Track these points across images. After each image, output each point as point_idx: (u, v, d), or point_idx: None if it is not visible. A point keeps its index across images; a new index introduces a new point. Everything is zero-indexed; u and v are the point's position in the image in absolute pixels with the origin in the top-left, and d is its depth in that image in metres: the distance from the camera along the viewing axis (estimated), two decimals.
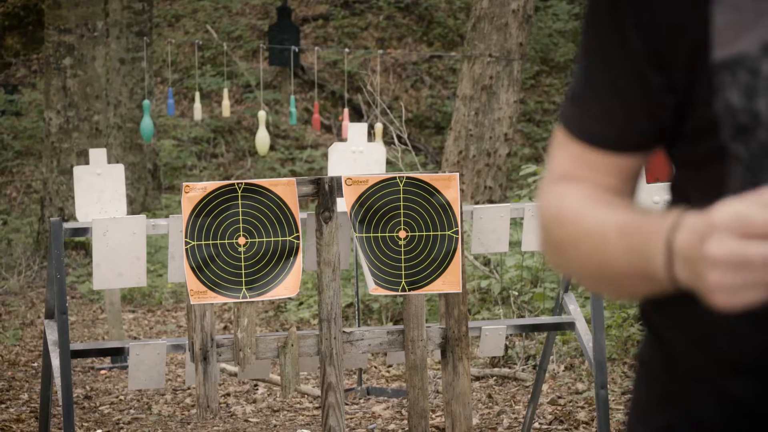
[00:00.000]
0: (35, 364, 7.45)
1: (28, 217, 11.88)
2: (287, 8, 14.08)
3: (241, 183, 4.47)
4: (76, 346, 4.78)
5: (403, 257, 4.54)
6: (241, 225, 4.46)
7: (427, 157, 13.55)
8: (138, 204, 11.15)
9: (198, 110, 9.70)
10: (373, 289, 4.53)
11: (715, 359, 1.48)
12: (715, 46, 1.40)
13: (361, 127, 6.02)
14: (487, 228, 4.82)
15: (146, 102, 9.51)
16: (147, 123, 9.25)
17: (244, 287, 4.46)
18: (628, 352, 6.75)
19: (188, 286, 4.40)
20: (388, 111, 10.25)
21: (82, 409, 6.45)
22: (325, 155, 10.12)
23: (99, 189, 5.42)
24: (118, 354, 5.90)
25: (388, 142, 10.64)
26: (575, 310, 5.00)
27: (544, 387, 6.27)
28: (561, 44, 15.11)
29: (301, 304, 8.44)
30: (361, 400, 6.47)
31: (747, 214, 1.23)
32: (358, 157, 5.93)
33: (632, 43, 1.47)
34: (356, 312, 6.49)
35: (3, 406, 6.55)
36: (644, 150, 1.53)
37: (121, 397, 6.66)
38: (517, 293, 7.40)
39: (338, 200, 4.52)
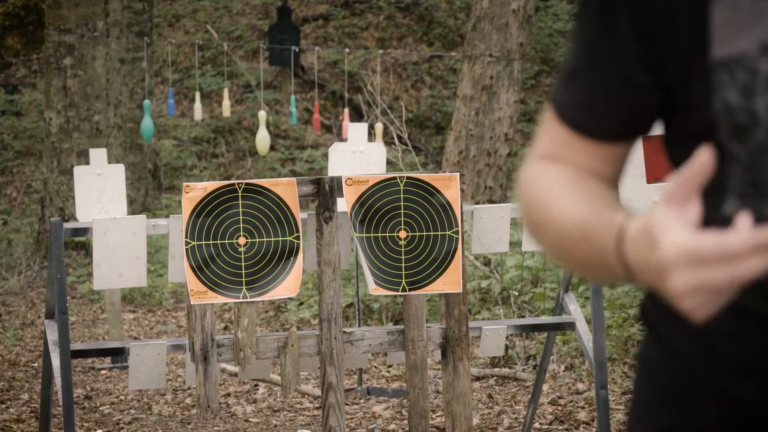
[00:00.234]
0: (35, 364, 7.44)
1: (29, 217, 11.88)
2: (287, 8, 14.08)
3: (242, 183, 4.47)
4: (76, 346, 4.78)
5: (403, 257, 4.54)
6: (241, 225, 4.46)
7: (428, 157, 13.55)
8: (138, 204, 11.15)
9: (198, 110, 9.70)
10: (374, 289, 4.53)
11: (715, 360, 1.49)
12: (714, 45, 1.40)
13: (362, 127, 6.01)
14: (488, 228, 4.82)
15: (146, 102, 9.51)
16: (147, 123, 9.25)
17: (244, 287, 4.46)
18: (628, 352, 6.75)
19: (188, 286, 4.40)
20: (389, 111, 10.25)
21: (83, 409, 6.44)
22: (326, 155, 10.10)
23: (99, 189, 5.42)
24: (118, 354, 5.90)
25: (388, 142, 10.64)
26: (575, 310, 5.00)
27: (545, 387, 6.27)
28: (561, 44, 15.10)
29: (301, 304, 8.44)
30: (362, 400, 6.47)
31: (692, 247, 1.27)
32: (358, 157, 5.93)
33: (624, 41, 1.47)
34: (356, 312, 6.48)
35: (3, 406, 6.55)
36: (627, 139, 1.55)
37: (122, 397, 6.66)
38: (517, 293, 7.40)
39: (338, 200, 4.52)
